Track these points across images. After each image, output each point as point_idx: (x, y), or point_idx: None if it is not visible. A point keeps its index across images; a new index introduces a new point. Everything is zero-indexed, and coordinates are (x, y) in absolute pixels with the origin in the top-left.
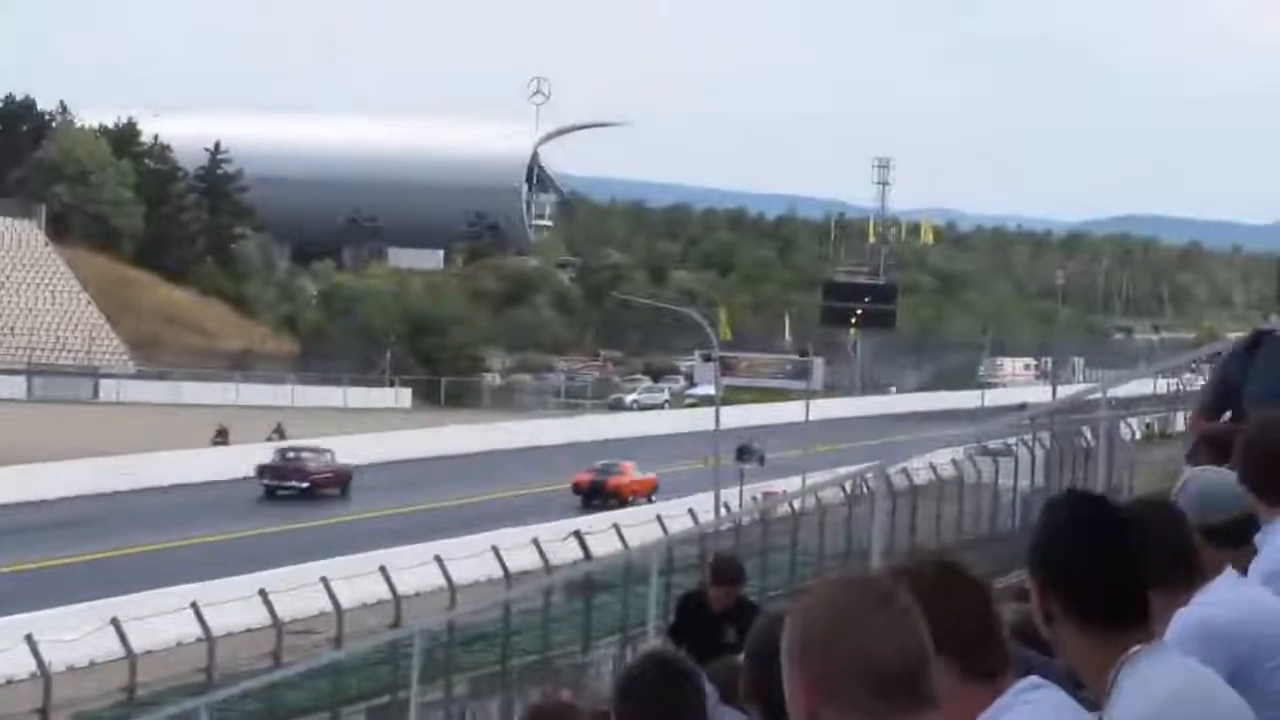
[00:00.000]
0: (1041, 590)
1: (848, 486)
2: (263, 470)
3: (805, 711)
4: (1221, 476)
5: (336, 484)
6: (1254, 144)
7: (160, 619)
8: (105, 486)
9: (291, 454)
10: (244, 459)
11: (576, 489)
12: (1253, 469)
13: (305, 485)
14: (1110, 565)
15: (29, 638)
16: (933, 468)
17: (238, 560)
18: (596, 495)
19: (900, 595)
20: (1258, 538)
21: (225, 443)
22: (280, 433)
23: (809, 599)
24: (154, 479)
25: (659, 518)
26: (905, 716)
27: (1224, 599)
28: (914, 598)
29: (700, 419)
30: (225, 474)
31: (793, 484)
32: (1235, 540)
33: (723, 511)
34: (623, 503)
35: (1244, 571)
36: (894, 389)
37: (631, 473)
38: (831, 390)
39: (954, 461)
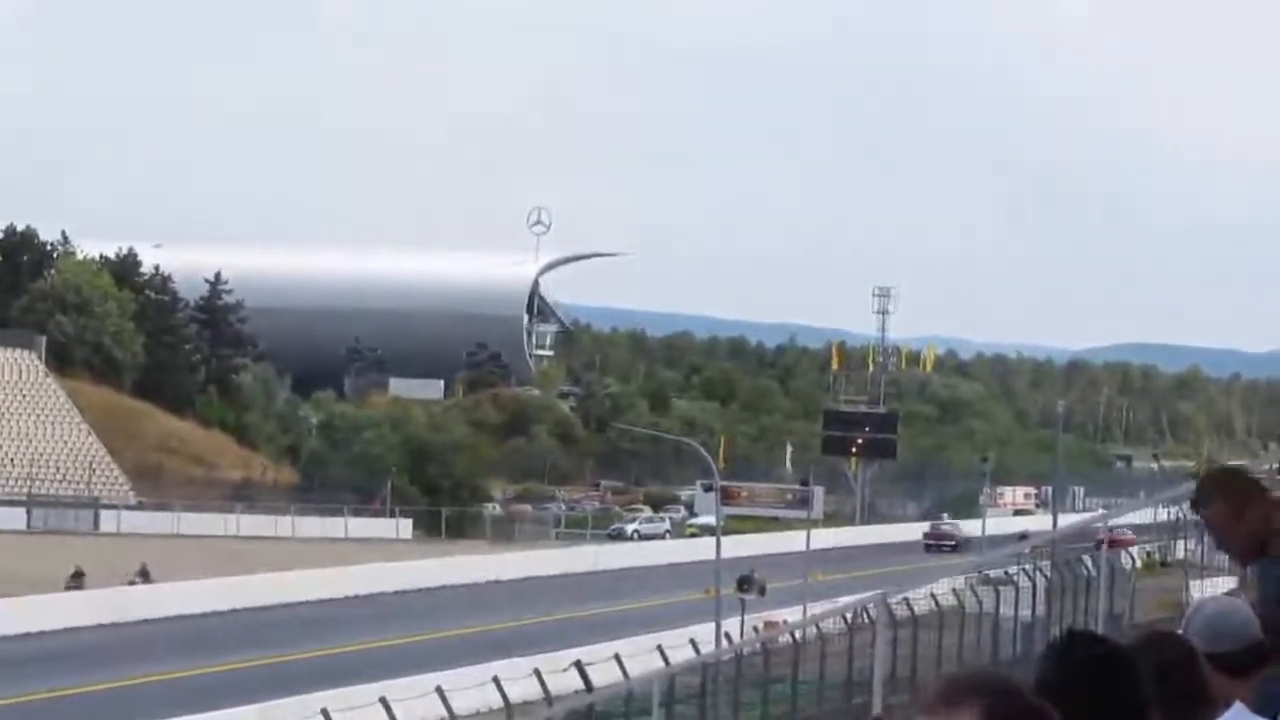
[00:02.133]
0: None
1: (849, 616)
2: (926, 535)
3: None
4: (1230, 605)
5: (962, 544)
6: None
7: None
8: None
9: (942, 526)
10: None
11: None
12: None
13: (953, 544)
14: (1110, 704)
15: None
16: (933, 597)
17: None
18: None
19: None
20: None
21: (80, 586)
22: (145, 574)
23: None
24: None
25: (659, 648)
26: None
27: None
28: None
29: (701, 549)
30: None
31: (794, 614)
32: (1245, 669)
33: (724, 642)
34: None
35: (1252, 700)
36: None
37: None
38: (832, 519)
39: (955, 591)
